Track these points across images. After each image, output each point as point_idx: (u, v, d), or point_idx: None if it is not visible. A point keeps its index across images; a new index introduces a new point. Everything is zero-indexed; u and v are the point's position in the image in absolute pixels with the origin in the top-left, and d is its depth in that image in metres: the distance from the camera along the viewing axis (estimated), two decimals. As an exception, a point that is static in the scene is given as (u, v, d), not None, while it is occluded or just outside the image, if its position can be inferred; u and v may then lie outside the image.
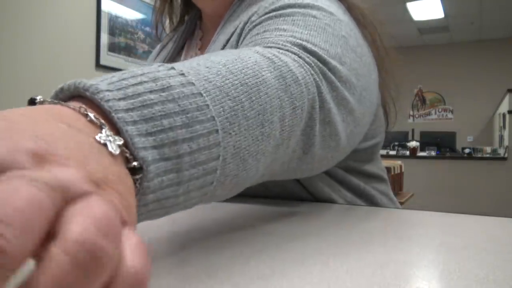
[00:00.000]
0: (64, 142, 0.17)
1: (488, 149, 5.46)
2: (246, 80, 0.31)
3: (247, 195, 0.63)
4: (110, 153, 0.20)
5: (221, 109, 0.27)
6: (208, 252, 0.28)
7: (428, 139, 5.80)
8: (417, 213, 0.48)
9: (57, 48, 2.35)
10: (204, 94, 0.26)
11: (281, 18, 0.48)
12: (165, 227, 0.37)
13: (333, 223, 0.41)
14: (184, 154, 0.24)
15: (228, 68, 0.31)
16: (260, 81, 0.32)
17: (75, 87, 0.22)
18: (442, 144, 5.58)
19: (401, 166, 2.71)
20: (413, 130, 6.41)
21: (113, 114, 0.21)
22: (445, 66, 7.42)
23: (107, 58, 2.63)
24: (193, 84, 0.26)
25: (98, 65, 2.58)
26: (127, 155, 0.21)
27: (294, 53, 0.39)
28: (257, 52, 0.36)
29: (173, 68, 0.27)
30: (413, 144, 5.24)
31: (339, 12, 0.53)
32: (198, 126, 0.25)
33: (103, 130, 0.20)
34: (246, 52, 0.35)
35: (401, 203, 2.28)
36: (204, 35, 0.74)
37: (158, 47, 0.81)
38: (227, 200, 0.59)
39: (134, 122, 0.22)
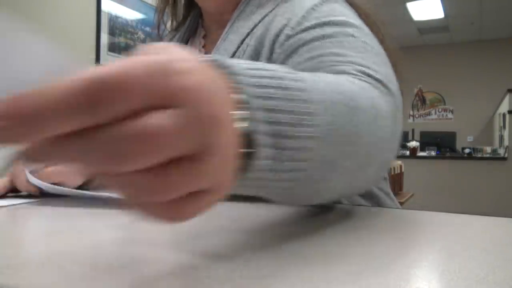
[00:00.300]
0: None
1: (488, 149, 5.47)
2: (348, 102, 0.35)
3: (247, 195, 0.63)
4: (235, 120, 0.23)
5: (324, 120, 0.31)
6: (208, 252, 0.28)
7: (428, 139, 5.81)
8: (417, 213, 0.48)
9: (57, 47, 2.35)
10: (315, 103, 0.30)
11: (327, 40, 0.51)
12: (166, 227, 0.37)
13: (333, 224, 0.41)
14: (286, 148, 0.27)
15: (334, 87, 0.35)
16: (357, 106, 0.36)
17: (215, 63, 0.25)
18: (442, 144, 5.58)
19: (401, 166, 2.71)
20: (413, 130, 6.41)
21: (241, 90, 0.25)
22: (445, 66, 7.42)
23: (107, 58, 2.63)
24: (307, 91, 0.30)
25: (99, 65, 2.59)
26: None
27: (369, 83, 0.43)
28: (349, 81, 0.40)
29: (297, 73, 0.31)
30: (413, 144, 5.24)
31: (359, 21, 0.56)
32: (301, 128, 0.29)
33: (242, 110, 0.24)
34: (341, 78, 0.39)
35: (401, 203, 2.28)
36: (207, 34, 0.74)
37: None
38: (227, 200, 0.59)
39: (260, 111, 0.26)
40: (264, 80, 0.27)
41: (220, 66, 0.25)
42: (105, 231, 0.37)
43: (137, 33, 2.86)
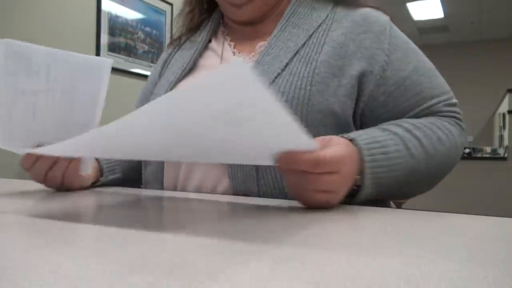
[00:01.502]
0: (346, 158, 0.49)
1: (488, 149, 5.46)
2: (427, 150, 0.60)
3: (246, 195, 0.63)
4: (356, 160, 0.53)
5: (406, 165, 0.58)
6: (208, 252, 0.29)
7: (428, 139, 5.78)
8: (417, 213, 0.48)
9: (57, 48, 2.35)
10: (402, 160, 0.58)
11: (419, 74, 0.68)
12: (166, 227, 0.37)
13: (334, 224, 0.41)
14: (381, 185, 0.56)
15: (420, 141, 0.60)
16: (436, 153, 0.61)
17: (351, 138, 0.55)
18: (442, 144, 5.55)
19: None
20: (413, 130, 6.40)
21: (365, 169, 0.54)
22: (445, 66, 7.40)
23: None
24: (400, 153, 0.58)
25: (98, 65, 2.59)
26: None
27: (455, 118, 0.68)
28: (440, 129, 0.63)
29: (396, 144, 0.58)
30: (413, 144, 5.22)
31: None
32: (393, 173, 0.57)
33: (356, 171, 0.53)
34: (433, 129, 0.63)
35: (401, 203, 2.28)
36: (229, 33, 0.79)
37: (172, 49, 0.85)
38: (227, 199, 0.59)
39: (370, 161, 0.54)
40: (375, 151, 0.55)
41: (352, 140, 0.54)
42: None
43: (137, 33, 2.86)
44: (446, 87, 0.70)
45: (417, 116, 0.66)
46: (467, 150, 5.24)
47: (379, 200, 0.67)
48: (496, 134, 6.28)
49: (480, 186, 4.59)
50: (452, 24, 6.82)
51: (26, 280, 0.22)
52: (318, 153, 0.44)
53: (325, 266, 0.25)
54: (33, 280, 0.22)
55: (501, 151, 5.13)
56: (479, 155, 5.22)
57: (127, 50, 2.78)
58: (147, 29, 2.94)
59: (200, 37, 0.80)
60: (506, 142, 4.86)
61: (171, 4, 3.14)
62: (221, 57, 0.76)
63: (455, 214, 0.47)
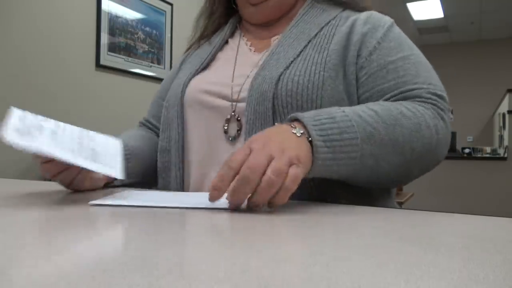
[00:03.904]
0: (285, 141, 0.49)
1: (488, 149, 5.47)
2: (387, 120, 0.57)
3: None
4: (297, 135, 0.51)
5: (363, 130, 0.55)
6: (208, 252, 0.29)
7: (428, 139, 5.79)
8: (417, 213, 0.48)
9: (57, 48, 2.35)
10: (354, 123, 0.54)
11: (407, 62, 0.66)
12: (166, 227, 0.37)
13: (334, 223, 0.41)
14: (336, 146, 0.52)
15: (377, 112, 0.57)
16: (397, 123, 0.57)
17: (295, 117, 0.54)
18: (442, 144, 5.56)
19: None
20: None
21: (308, 127, 0.52)
22: (445, 66, 7.42)
23: (107, 58, 2.63)
24: (348, 117, 0.55)
25: (98, 65, 2.58)
26: (309, 138, 0.51)
27: (433, 104, 0.63)
28: (405, 107, 0.60)
29: (343, 111, 0.56)
30: (413, 144, 5.22)
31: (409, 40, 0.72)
32: (346, 135, 0.53)
33: (295, 129, 0.51)
34: (396, 106, 0.59)
35: (401, 203, 2.28)
36: (245, 34, 0.84)
37: (189, 51, 0.89)
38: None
39: (315, 129, 0.52)
40: (321, 120, 0.53)
41: (297, 119, 0.54)
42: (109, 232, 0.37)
43: (137, 33, 2.86)
44: (436, 81, 0.66)
45: (395, 99, 0.63)
46: (467, 150, 5.24)
47: (381, 200, 0.67)
48: (496, 134, 6.28)
49: (480, 186, 4.59)
50: (452, 24, 6.82)
51: (21, 278, 0.22)
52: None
53: (325, 266, 0.25)
54: (32, 280, 0.22)
55: (501, 151, 5.13)
56: (479, 155, 5.22)
57: (127, 50, 2.78)
58: (147, 29, 2.94)
59: (218, 38, 0.84)
60: (506, 142, 4.86)
61: (171, 4, 3.14)
62: (237, 51, 0.80)
63: (455, 214, 0.47)
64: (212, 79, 0.74)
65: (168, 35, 3.13)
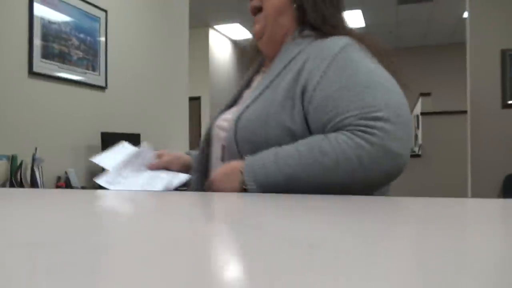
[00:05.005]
0: (230, 181, 0.75)
1: (405, 147, 5.90)
2: (308, 159, 0.68)
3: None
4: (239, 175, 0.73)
5: (284, 174, 0.70)
6: (208, 252, 0.28)
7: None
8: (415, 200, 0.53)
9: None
10: (279, 168, 0.70)
11: (345, 91, 0.70)
12: (166, 227, 0.38)
13: (333, 223, 0.40)
14: (265, 186, 0.71)
15: (300, 152, 0.69)
16: (315, 162, 0.67)
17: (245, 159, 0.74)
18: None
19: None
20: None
21: (244, 175, 0.72)
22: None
23: (40, 65, 2.54)
24: (276, 164, 0.70)
25: (31, 72, 2.49)
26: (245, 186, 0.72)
27: (361, 131, 0.66)
28: (328, 142, 0.68)
29: (274, 161, 0.70)
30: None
31: (370, 60, 0.75)
32: (270, 178, 0.71)
33: (244, 177, 0.72)
34: (320, 143, 0.68)
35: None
36: (266, 69, 0.94)
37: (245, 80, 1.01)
38: (228, 195, 0.70)
39: (248, 175, 0.72)
40: (255, 164, 0.71)
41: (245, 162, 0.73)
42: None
43: (71, 40, 2.78)
44: (377, 102, 0.67)
45: (332, 130, 0.70)
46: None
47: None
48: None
49: (397, 180, 4.98)
50: (372, 33, 7.30)
51: (14, 280, 0.21)
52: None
53: (325, 266, 0.24)
54: (30, 280, 0.21)
55: (415, 149, 5.64)
56: (397, 153, 5.62)
57: (61, 57, 2.70)
58: (81, 35, 2.86)
59: (246, 75, 0.99)
60: (420, 141, 5.37)
61: (105, 11, 3.10)
62: (256, 87, 0.89)
63: (446, 198, 0.53)
64: (228, 116, 0.87)
65: (103, 41, 3.08)
